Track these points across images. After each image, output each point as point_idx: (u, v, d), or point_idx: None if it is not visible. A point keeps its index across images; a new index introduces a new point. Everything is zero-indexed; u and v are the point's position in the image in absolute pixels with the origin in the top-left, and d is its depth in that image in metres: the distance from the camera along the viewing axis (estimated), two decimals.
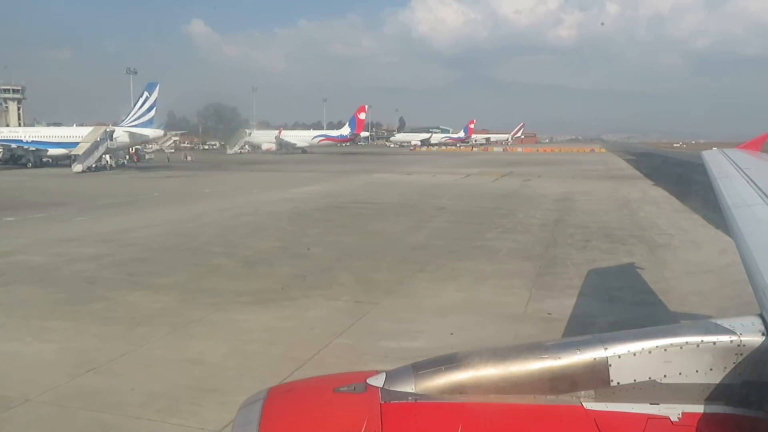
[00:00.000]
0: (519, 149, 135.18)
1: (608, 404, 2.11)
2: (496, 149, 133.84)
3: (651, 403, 2.11)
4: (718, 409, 2.07)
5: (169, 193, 35.80)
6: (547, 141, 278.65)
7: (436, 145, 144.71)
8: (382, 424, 2.00)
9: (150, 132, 62.50)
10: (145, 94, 61.95)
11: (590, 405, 2.11)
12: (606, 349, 2.13)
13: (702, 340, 2.10)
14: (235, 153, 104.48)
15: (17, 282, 13.75)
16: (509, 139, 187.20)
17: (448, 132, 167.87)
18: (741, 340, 2.08)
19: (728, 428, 2.00)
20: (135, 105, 62.79)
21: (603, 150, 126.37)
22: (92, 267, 15.31)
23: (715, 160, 5.69)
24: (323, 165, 69.12)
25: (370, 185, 41.09)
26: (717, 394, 2.08)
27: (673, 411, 2.09)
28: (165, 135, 74.70)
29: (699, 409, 2.08)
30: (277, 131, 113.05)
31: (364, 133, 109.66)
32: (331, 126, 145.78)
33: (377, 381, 2.21)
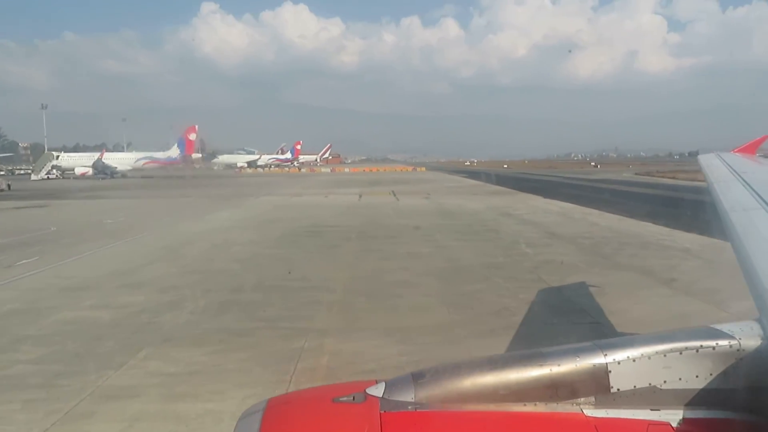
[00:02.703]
0: (346, 169, 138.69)
1: (609, 411, 2.13)
2: (324, 170, 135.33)
3: (651, 409, 2.13)
4: (718, 414, 2.11)
5: (67, 227, 29.87)
6: (349, 161, 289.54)
7: (261, 166, 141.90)
8: None
9: None
10: None
11: (590, 412, 2.13)
12: (605, 355, 2.16)
13: (701, 345, 2.14)
14: (42, 179, 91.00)
15: (147, 345, 10.67)
16: (317, 160, 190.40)
17: (253, 153, 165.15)
18: (740, 345, 2.13)
19: None
20: None
21: (424, 169, 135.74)
22: (189, 317, 12.54)
23: (712, 164, 5.79)
24: (178, 190, 62.40)
25: (289, 208, 38.78)
26: (717, 399, 2.13)
27: (673, 417, 2.12)
28: None
29: (700, 414, 2.12)
30: (91, 153, 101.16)
31: (195, 155, 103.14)
32: (120, 148, 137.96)
33: (376, 391, 2.19)
